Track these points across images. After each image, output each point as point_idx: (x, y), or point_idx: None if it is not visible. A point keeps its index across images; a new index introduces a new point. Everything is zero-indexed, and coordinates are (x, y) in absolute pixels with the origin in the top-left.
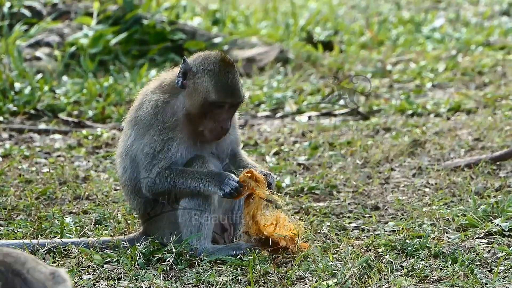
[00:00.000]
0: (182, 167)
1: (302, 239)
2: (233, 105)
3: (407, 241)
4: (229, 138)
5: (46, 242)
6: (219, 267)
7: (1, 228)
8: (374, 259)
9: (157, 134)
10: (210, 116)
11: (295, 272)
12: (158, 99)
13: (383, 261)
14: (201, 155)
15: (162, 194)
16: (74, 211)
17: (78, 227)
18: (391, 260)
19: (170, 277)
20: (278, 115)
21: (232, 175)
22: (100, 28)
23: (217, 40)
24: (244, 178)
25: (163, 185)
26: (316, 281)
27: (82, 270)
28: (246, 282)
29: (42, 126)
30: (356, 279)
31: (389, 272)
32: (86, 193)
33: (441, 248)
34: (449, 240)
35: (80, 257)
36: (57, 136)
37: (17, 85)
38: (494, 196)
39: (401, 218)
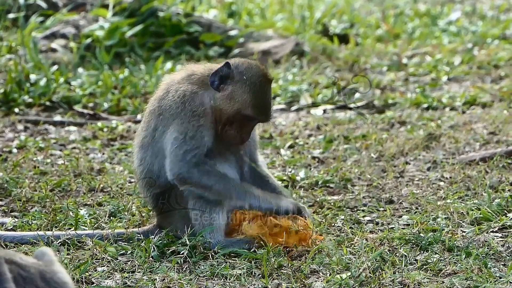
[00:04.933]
0: (223, 173)
1: (316, 232)
2: (261, 121)
3: (421, 234)
4: None
5: (61, 234)
6: (233, 260)
7: (16, 219)
8: (388, 252)
9: (186, 122)
10: (235, 124)
11: (309, 265)
12: (186, 89)
13: (397, 254)
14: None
15: (188, 184)
16: (88, 203)
17: (92, 219)
18: (405, 253)
19: (184, 269)
20: (293, 108)
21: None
22: (116, 20)
23: (232, 32)
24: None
25: (198, 178)
26: (330, 274)
27: (97, 262)
28: (260, 275)
29: (57, 118)
30: (370, 272)
31: (403, 266)
32: (101, 185)
33: (455, 242)
34: (463, 234)
35: (95, 249)
36: (72, 128)
37: (33, 77)
38: (509, 190)
39: (416, 212)
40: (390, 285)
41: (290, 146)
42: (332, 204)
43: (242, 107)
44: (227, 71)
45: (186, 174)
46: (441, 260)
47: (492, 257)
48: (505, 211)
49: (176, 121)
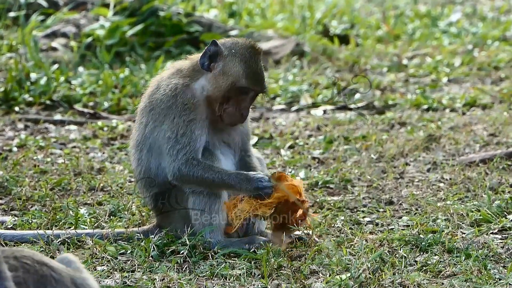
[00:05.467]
0: (210, 163)
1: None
2: (257, 93)
3: (421, 236)
4: (240, 129)
5: (61, 233)
6: (233, 260)
7: (16, 218)
8: (388, 253)
9: (178, 116)
10: (232, 101)
11: (309, 266)
12: (177, 82)
13: (397, 255)
14: (212, 146)
15: (189, 183)
16: (88, 202)
17: (92, 219)
18: (405, 255)
19: (184, 269)
20: (294, 108)
21: (265, 177)
22: (116, 19)
23: (233, 32)
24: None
25: (192, 174)
26: (330, 275)
27: (96, 261)
28: (260, 276)
29: (57, 117)
30: (369, 273)
31: (402, 267)
32: (101, 185)
33: (455, 243)
34: (463, 235)
35: (94, 249)
36: (72, 127)
37: (33, 76)
38: (509, 192)
39: (415, 213)
40: (390, 286)
41: (290, 147)
42: (332, 204)
43: (235, 79)
44: (215, 49)
45: (178, 172)
46: (440, 261)
47: (491, 258)
48: (505, 213)
49: (168, 117)
